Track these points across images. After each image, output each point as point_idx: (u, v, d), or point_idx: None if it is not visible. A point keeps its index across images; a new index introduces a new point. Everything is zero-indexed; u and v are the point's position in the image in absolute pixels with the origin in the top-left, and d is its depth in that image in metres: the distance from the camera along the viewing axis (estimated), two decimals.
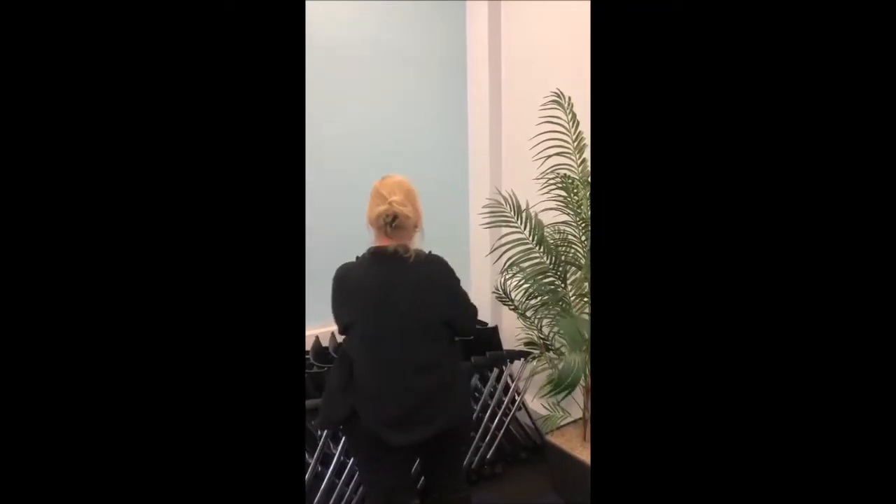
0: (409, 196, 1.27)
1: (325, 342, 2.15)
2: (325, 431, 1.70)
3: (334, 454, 1.76)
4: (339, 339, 2.10)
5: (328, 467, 1.76)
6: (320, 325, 2.18)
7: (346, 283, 1.29)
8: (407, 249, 1.25)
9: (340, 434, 1.71)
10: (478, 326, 2.31)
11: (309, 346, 2.10)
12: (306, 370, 1.91)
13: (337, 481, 1.78)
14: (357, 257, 1.31)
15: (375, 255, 1.27)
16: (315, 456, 1.71)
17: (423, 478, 1.46)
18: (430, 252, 1.31)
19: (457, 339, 1.36)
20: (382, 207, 1.22)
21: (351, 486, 1.80)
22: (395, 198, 1.22)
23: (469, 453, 2.05)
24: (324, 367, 1.93)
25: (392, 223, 1.22)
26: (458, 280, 1.33)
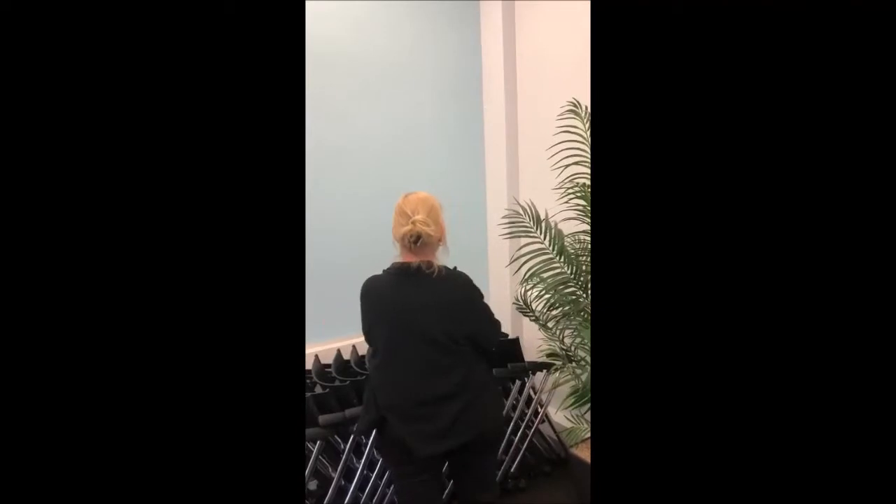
0: (432, 213, 1.29)
1: (346, 356, 2.16)
2: (349, 445, 1.70)
3: (357, 468, 1.76)
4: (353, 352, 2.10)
5: (351, 482, 1.76)
6: (342, 339, 2.20)
7: (371, 296, 1.33)
8: (430, 265, 1.28)
9: (373, 441, 1.73)
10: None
11: (331, 359, 2.11)
12: (329, 384, 1.92)
13: (361, 495, 1.78)
14: (384, 271, 1.34)
15: (400, 270, 1.30)
16: (339, 470, 1.71)
17: (451, 487, 1.49)
18: (454, 268, 1.34)
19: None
20: (406, 228, 1.25)
21: (375, 500, 1.80)
22: (418, 217, 1.25)
23: None
24: (346, 381, 1.94)
25: (416, 242, 1.26)
26: (480, 294, 1.35)
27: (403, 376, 1.27)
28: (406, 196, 1.32)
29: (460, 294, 1.31)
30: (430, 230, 1.25)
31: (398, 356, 1.28)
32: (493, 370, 2.02)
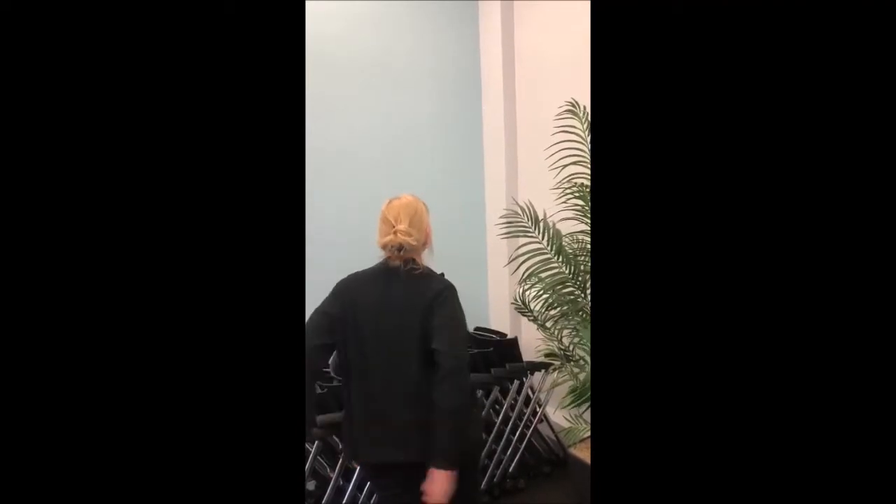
0: (415, 220, 1.26)
1: None
2: None
3: (355, 468, 1.76)
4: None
5: (349, 482, 1.76)
6: None
7: (352, 293, 1.30)
8: (416, 265, 1.26)
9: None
10: (496, 338, 2.30)
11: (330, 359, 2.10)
12: (327, 384, 1.92)
13: (359, 495, 1.78)
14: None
15: (382, 266, 1.29)
16: (337, 470, 1.71)
17: None
18: (441, 274, 1.30)
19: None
20: (388, 238, 1.24)
21: (373, 500, 1.80)
22: (400, 226, 1.23)
23: (491, 467, 2.03)
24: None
25: (398, 251, 1.25)
26: (449, 302, 1.24)
27: (371, 382, 1.24)
28: (390, 202, 1.29)
29: (428, 301, 1.22)
30: (411, 240, 1.23)
31: (371, 360, 1.24)
32: (492, 369, 2.02)
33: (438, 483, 1.14)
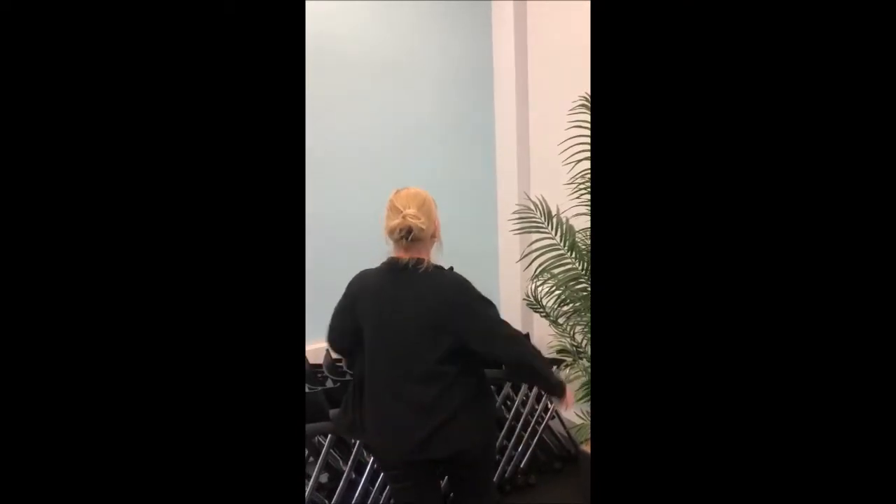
0: (424, 208, 1.24)
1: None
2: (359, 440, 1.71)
3: (368, 462, 1.77)
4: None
5: (362, 475, 1.77)
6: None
7: (357, 291, 1.31)
8: (421, 262, 1.23)
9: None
10: None
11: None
12: (340, 378, 1.94)
13: (371, 488, 1.79)
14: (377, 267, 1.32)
15: (390, 266, 1.26)
16: (349, 463, 1.72)
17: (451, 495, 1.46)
18: (450, 268, 1.29)
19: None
20: (396, 221, 1.21)
21: (385, 494, 1.81)
22: (409, 210, 1.20)
23: (502, 462, 2.03)
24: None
25: (407, 236, 1.21)
26: (480, 301, 1.25)
27: (382, 379, 1.24)
28: (397, 191, 1.27)
29: (445, 297, 1.22)
30: (420, 223, 1.20)
31: (378, 356, 1.24)
32: (503, 365, 2.01)
33: (566, 403, 1.40)
